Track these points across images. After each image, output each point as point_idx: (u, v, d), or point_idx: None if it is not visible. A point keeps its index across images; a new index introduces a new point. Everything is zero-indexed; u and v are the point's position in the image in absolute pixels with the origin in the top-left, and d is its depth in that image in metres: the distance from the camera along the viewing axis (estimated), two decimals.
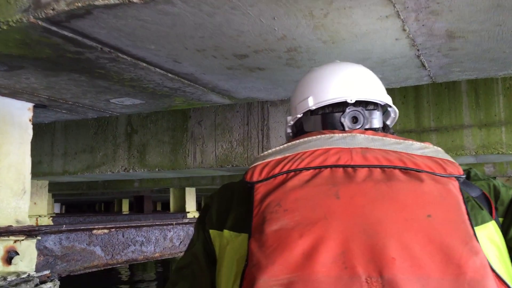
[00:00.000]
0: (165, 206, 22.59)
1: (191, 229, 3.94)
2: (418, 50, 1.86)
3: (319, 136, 1.00)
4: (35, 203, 5.50)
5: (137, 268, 16.23)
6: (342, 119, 1.08)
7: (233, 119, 4.28)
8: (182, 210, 9.96)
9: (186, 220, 3.85)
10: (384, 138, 0.99)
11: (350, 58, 1.92)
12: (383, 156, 0.91)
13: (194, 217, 8.14)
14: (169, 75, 2.18)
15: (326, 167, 0.91)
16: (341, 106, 1.11)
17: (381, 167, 0.90)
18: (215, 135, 4.32)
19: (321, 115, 1.12)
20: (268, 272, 0.80)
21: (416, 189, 0.86)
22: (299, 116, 1.17)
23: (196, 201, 10.58)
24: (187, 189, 9.88)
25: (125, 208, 21.06)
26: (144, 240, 3.30)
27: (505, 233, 0.92)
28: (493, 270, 0.80)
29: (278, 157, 0.96)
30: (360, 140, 0.97)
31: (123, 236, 3.12)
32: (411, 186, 0.86)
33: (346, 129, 1.08)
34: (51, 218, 5.68)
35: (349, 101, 1.10)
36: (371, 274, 0.78)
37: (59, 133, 5.12)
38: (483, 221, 0.89)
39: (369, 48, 1.82)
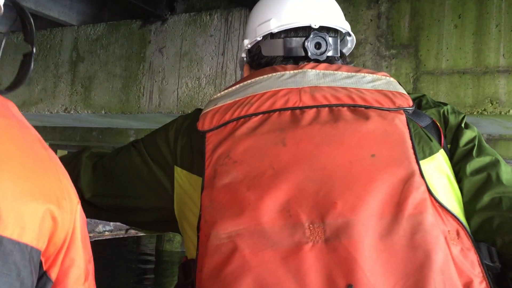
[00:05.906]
0: None
1: None
2: None
3: (270, 75, 1.00)
4: None
5: None
6: (307, 44, 1.07)
7: (205, 46, 3.01)
8: None
9: None
10: (336, 72, 0.99)
11: None
12: (332, 94, 0.93)
13: None
14: None
15: (274, 111, 0.92)
16: (304, 30, 1.09)
17: (329, 106, 0.92)
18: (179, 68, 3.08)
19: (283, 39, 1.10)
20: (217, 227, 0.84)
21: (361, 128, 0.88)
22: (258, 39, 1.13)
23: None
24: None
25: None
26: None
27: (450, 160, 0.94)
28: (438, 201, 0.84)
29: (229, 101, 0.97)
30: (311, 77, 0.98)
31: None
32: (357, 126, 0.89)
33: (309, 54, 1.07)
34: None
35: (313, 26, 1.09)
36: (314, 221, 0.81)
37: None
38: (431, 153, 0.90)
39: None
